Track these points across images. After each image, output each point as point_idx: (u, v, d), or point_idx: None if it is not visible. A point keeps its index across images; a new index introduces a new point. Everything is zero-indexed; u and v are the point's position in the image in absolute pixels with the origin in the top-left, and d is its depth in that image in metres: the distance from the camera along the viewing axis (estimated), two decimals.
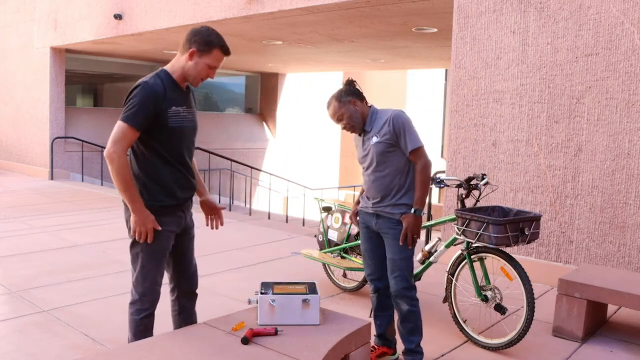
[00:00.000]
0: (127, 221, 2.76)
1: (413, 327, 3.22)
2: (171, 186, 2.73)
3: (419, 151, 3.10)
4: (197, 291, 3.05)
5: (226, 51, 2.70)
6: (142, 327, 2.79)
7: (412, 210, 3.12)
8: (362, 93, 3.21)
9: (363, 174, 3.30)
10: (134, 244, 2.76)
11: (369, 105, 3.24)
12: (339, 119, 3.18)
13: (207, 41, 2.65)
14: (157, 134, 2.65)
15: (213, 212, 3.06)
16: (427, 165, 3.11)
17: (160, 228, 2.69)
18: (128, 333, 2.83)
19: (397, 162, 3.13)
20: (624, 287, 3.69)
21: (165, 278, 2.89)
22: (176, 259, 2.91)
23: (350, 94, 3.16)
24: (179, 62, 2.72)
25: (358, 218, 3.43)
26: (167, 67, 2.74)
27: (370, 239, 3.35)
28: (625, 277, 3.96)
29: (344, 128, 3.20)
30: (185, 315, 2.98)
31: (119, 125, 2.59)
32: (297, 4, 6.88)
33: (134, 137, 2.60)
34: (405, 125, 3.09)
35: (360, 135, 3.26)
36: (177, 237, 2.86)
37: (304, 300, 2.77)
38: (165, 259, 2.81)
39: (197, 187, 2.97)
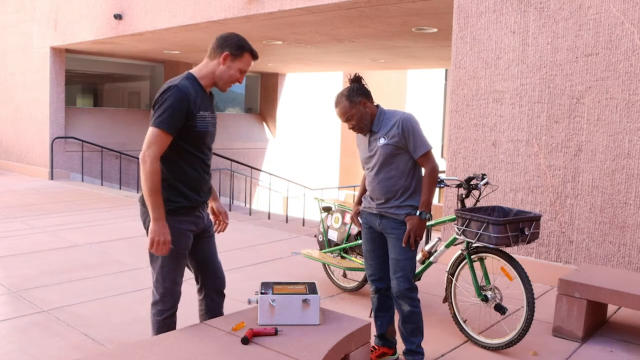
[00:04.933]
0: (144, 222, 2.78)
1: (414, 328, 3.22)
2: (194, 188, 2.77)
3: (427, 155, 3.12)
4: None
5: (255, 55, 2.78)
6: (164, 327, 2.81)
7: (418, 213, 3.12)
8: (370, 92, 3.19)
9: (367, 174, 3.27)
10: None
11: (376, 104, 3.22)
12: (348, 119, 3.14)
13: (239, 46, 2.72)
14: (184, 137, 2.68)
15: (218, 217, 3.07)
16: (434, 168, 3.14)
17: (173, 247, 2.70)
18: (151, 333, 2.85)
19: (403, 164, 3.13)
20: (624, 287, 3.69)
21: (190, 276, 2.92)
22: (200, 259, 2.93)
23: (360, 93, 3.13)
24: (208, 67, 2.75)
25: (360, 219, 3.43)
26: (194, 72, 2.76)
27: (372, 239, 3.34)
28: (625, 277, 3.96)
29: (351, 128, 3.17)
30: (211, 314, 2.99)
31: (152, 130, 2.61)
32: (297, 4, 6.88)
33: (167, 141, 2.62)
34: (414, 129, 3.09)
35: (364, 134, 3.25)
36: (197, 238, 2.87)
37: (304, 300, 2.77)
38: (184, 258, 2.83)
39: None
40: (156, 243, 2.61)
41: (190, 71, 2.77)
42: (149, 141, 2.61)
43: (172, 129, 2.60)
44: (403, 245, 3.13)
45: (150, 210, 2.61)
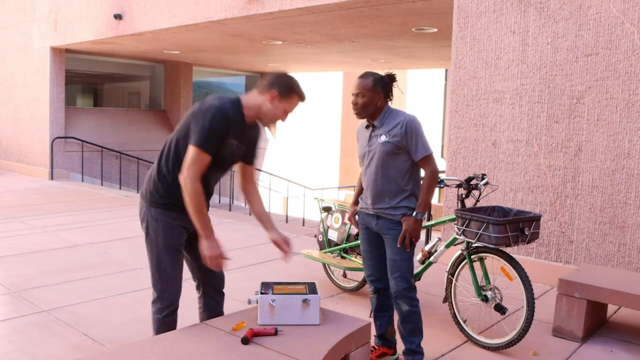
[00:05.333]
0: (140, 212, 2.82)
1: (413, 328, 3.22)
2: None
3: (428, 159, 3.14)
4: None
5: (303, 98, 2.80)
6: (164, 326, 2.83)
7: (414, 214, 3.13)
8: (391, 93, 3.21)
9: (363, 170, 3.27)
10: (147, 240, 2.82)
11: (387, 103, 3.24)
12: (357, 95, 3.14)
13: (289, 87, 2.72)
14: None
15: (280, 247, 2.95)
16: (435, 172, 3.16)
17: (229, 258, 2.73)
18: (152, 332, 2.88)
19: (401, 164, 3.14)
20: (624, 287, 3.69)
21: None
22: (196, 257, 2.95)
23: (384, 87, 3.14)
24: (256, 100, 2.74)
25: (357, 219, 3.43)
26: (243, 100, 2.75)
27: (369, 240, 3.34)
28: (625, 277, 3.96)
29: (353, 103, 3.17)
30: (209, 312, 3.01)
31: (192, 149, 2.61)
32: (297, 4, 6.88)
33: (206, 161, 2.63)
34: (417, 131, 3.11)
35: (367, 128, 3.25)
36: (195, 235, 2.89)
37: (304, 300, 2.77)
38: (180, 254, 2.85)
39: (263, 221, 2.95)
40: (210, 259, 2.65)
41: (240, 96, 2.77)
42: (189, 161, 2.60)
43: (211, 149, 2.62)
44: (398, 245, 3.13)
45: (199, 229, 2.65)
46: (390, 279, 3.20)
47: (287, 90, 2.72)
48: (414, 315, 3.21)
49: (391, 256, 3.18)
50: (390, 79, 3.19)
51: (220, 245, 2.67)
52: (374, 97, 3.12)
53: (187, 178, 2.60)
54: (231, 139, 2.70)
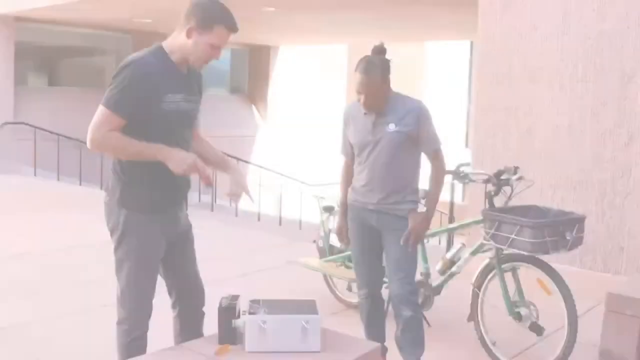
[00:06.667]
0: (109, 223, 2.77)
1: (415, 337, 3.29)
2: (162, 184, 2.74)
3: (440, 151, 3.29)
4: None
5: (232, 28, 2.68)
6: (133, 350, 2.79)
7: (426, 210, 3.24)
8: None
9: (362, 162, 3.30)
10: (117, 249, 2.76)
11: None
12: (367, 95, 3.16)
13: (208, 17, 2.62)
14: (147, 124, 2.64)
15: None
16: (445, 166, 3.34)
17: (210, 171, 2.72)
18: (117, 356, 2.83)
19: (409, 155, 3.24)
20: None
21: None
22: (174, 267, 2.92)
23: (389, 72, 3.18)
24: (177, 41, 2.69)
25: (347, 221, 3.47)
26: (165, 45, 2.72)
27: (364, 236, 3.40)
28: None
29: (362, 101, 3.18)
30: (188, 334, 2.94)
31: (101, 110, 2.60)
32: None
33: (119, 125, 2.60)
34: (431, 121, 3.24)
35: (366, 113, 3.26)
36: (172, 242, 2.86)
37: (302, 324, 2.74)
38: (156, 267, 2.83)
39: (221, 165, 2.99)
40: (184, 172, 2.61)
41: (162, 43, 2.73)
42: (95, 123, 2.59)
43: (124, 111, 2.59)
44: (401, 244, 3.20)
45: (149, 156, 2.61)
46: (394, 280, 3.27)
47: (206, 21, 2.61)
48: (416, 322, 3.29)
49: (395, 255, 3.26)
50: (383, 52, 3.21)
51: (186, 154, 2.63)
52: (384, 89, 3.18)
53: (94, 141, 2.58)
54: (170, 95, 2.64)
